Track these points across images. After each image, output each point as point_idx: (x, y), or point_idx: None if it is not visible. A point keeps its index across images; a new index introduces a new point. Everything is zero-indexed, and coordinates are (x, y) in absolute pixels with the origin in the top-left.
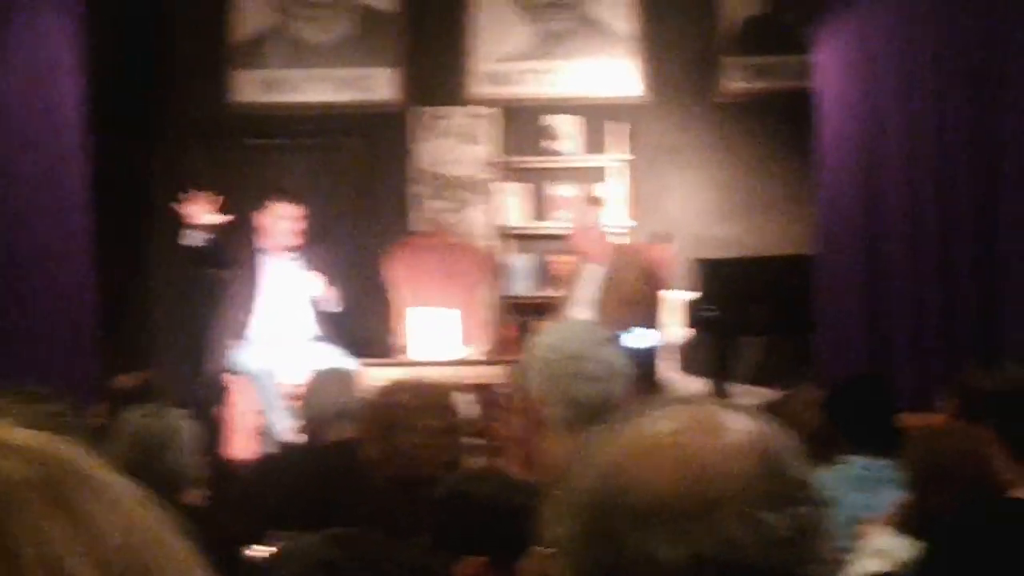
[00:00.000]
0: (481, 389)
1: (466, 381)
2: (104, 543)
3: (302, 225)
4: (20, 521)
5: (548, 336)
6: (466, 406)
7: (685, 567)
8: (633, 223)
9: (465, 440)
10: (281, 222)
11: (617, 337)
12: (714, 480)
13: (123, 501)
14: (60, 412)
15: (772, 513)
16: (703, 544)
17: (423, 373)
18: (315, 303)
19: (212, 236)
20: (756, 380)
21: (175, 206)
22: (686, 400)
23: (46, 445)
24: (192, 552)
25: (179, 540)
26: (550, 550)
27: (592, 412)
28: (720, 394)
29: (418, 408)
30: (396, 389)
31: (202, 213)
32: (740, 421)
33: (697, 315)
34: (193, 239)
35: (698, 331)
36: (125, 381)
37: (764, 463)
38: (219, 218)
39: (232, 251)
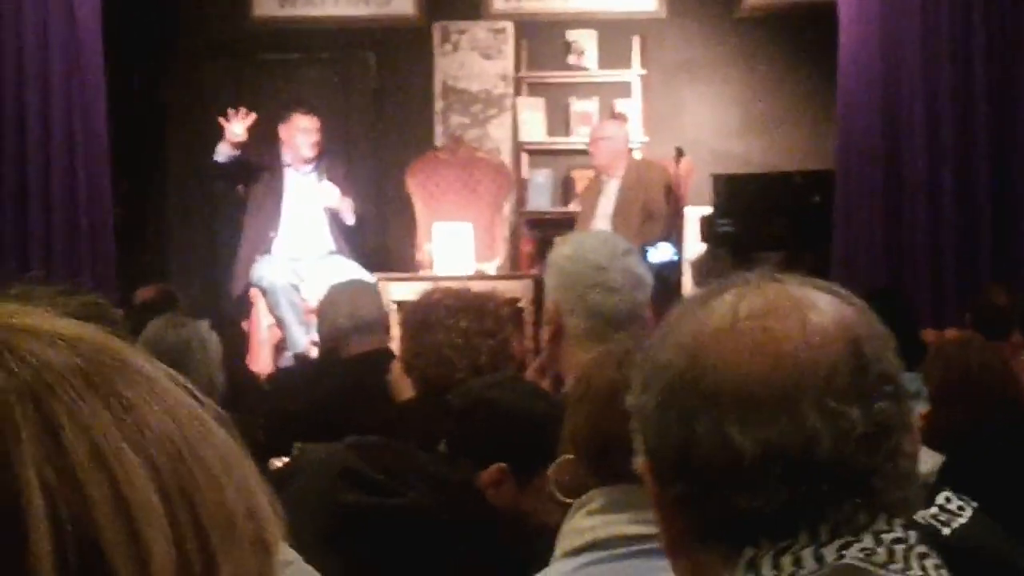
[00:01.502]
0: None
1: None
2: (144, 428)
3: (319, 137)
4: (61, 403)
5: (568, 247)
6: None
7: (758, 454)
8: (646, 138)
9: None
10: (299, 134)
11: (639, 249)
12: (794, 368)
13: (164, 388)
14: (96, 302)
15: (852, 407)
16: (777, 432)
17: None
18: (331, 215)
19: (240, 152)
20: None
21: (223, 122)
22: (776, 277)
23: (84, 333)
24: (234, 442)
25: (219, 427)
26: (570, 456)
27: (614, 322)
28: None
29: (454, 308)
30: (435, 291)
31: (241, 130)
32: (830, 305)
33: (713, 230)
34: (223, 155)
35: (714, 246)
36: (144, 293)
37: (849, 353)
38: (245, 135)
39: (255, 166)
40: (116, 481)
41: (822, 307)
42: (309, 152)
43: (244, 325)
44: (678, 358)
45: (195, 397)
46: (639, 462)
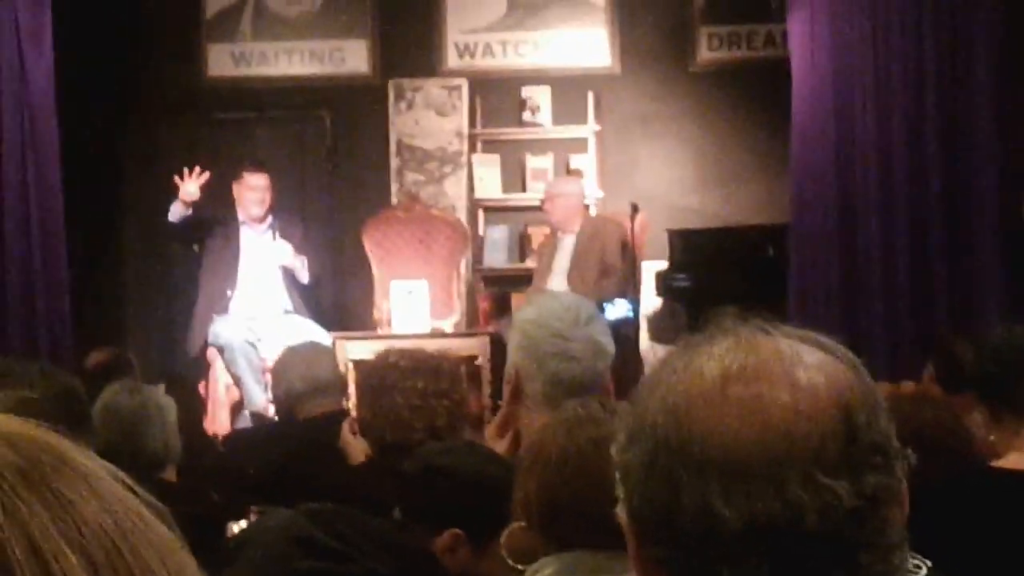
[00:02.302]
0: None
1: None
2: (84, 527)
3: (269, 195)
4: (0, 505)
5: (532, 311)
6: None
7: (742, 526)
8: (601, 194)
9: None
10: (248, 192)
11: (600, 312)
12: (783, 440)
13: (101, 484)
14: (34, 397)
15: (841, 480)
16: (763, 505)
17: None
18: (286, 273)
19: (192, 212)
20: None
21: (177, 181)
22: (765, 329)
23: (23, 430)
24: (173, 534)
25: (160, 523)
26: (523, 524)
27: (573, 390)
28: None
29: (410, 369)
30: (390, 352)
31: (195, 189)
32: (821, 366)
33: (669, 285)
34: (177, 214)
35: (670, 300)
36: (97, 357)
37: (840, 423)
38: (198, 194)
39: (211, 225)
40: None
41: (813, 369)
42: (258, 210)
43: (201, 385)
44: (664, 420)
45: (133, 491)
46: (620, 515)
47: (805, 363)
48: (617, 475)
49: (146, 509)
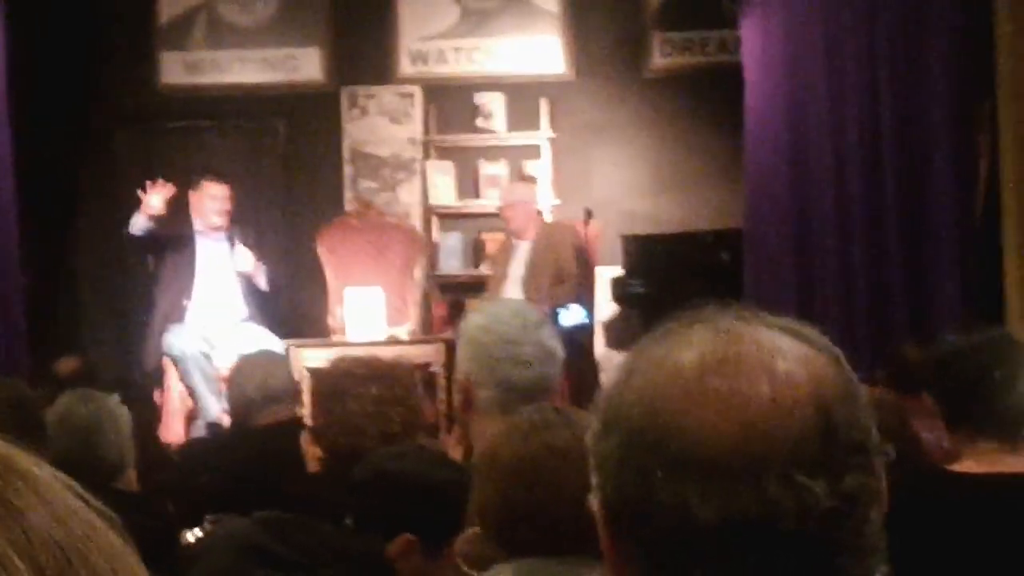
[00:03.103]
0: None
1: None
2: (33, 536)
3: (230, 205)
4: None
5: (481, 317)
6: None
7: (716, 524)
8: (557, 201)
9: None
10: (209, 201)
11: (551, 317)
12: (761, 437)
13: (51, 493)
14: None
15: (818, 480)
16: (737, 503)
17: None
18: (244, 281)
19: (155, 224)
20: None
21: (141, 195)
22: (744, 317)
23: None
24: (126, 543)
25: (113, 532)
26: (478, 530)
27: (526, 395)
28: None
29: (364, 377)
30: (343, 359)
31: (158, 202)
32: (801, 358)
33: (623, 291)
34: (139, 227)
35: (625, 307)
36: (65, 365)
37: (818, 420)
38: (163, 206)
39: (167, 236)
40: None
41: (793, 362)
42: (218, 220)
43: (156, 394)
44: (640, 412)
45: (84, 500)
46: (593, 503)
47: (785, 356)
48: (592, 463)
49: (97, 518)
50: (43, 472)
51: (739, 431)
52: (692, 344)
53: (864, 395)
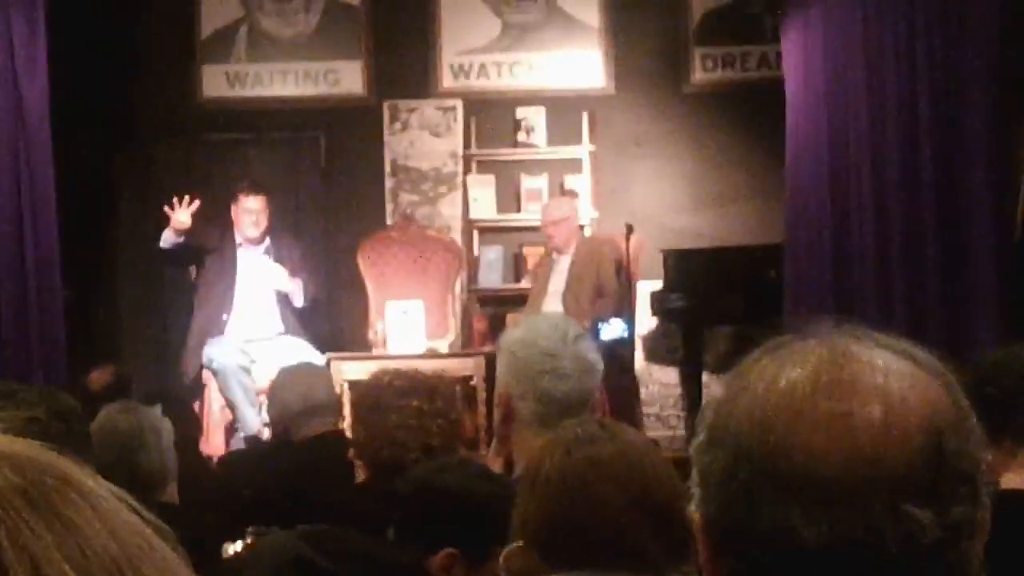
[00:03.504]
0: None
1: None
2: (87, 549)
3: (266, 217)
4: (2, 524)
5: (520, 331)
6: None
7: (819, 547)
8: (596, 214)
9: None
10: (245, 215)
11: (590, 331)
12: (871, 464)
13: (106, 506)
14: (38, 418)
15: (926, 511)
16: (842, 528)
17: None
18: (280, 296)
19: (184, 239)
20: (725, 369)
21: (167, 211)
22: (859, 337)
23: (28, 452)
24: (176, 554)
25: (162, 543)
26: (520, 544)
27: (564, 408)
28: (690, 385)
29: (404, 389)
30: (385, 372)
31: (186, 218)
32: (914, 384)
33: (663, 306)
34: (168, 241)
35: (665, 321)
36: (97, 377)
37: (930, 449)
38: (189, 222)
39: (206, 248)
40: None
41: (907, 388)
42: (253, 232)
43: (196, 406)
44: (750, 429)
45: (137, 513)
46: (693, 515)
47: (900, 379)
48: (694, 475)
49: (151, 532)
50: (97, 485)
51: (849, 455)
52: (806, 362)
53: (976, 424)
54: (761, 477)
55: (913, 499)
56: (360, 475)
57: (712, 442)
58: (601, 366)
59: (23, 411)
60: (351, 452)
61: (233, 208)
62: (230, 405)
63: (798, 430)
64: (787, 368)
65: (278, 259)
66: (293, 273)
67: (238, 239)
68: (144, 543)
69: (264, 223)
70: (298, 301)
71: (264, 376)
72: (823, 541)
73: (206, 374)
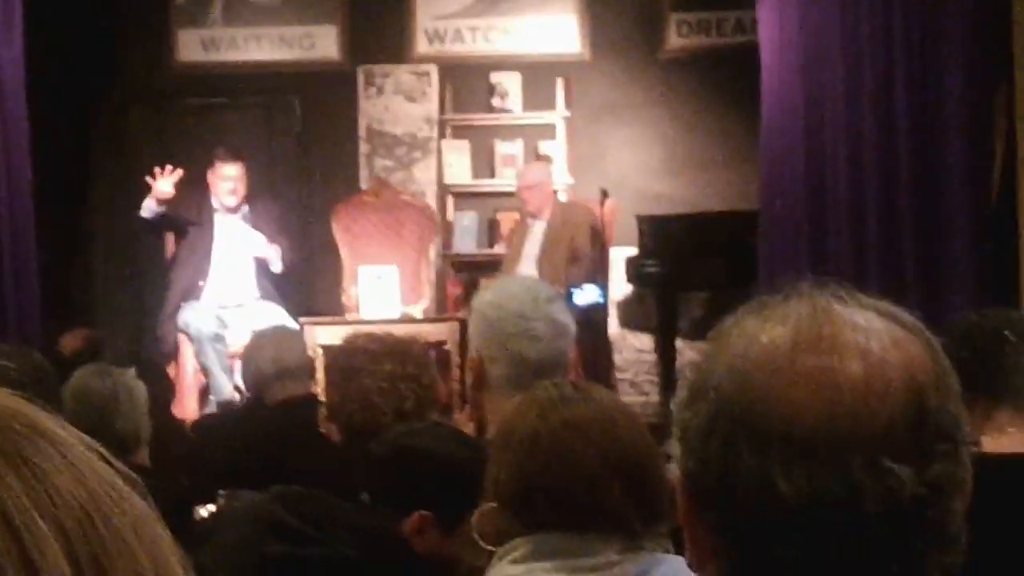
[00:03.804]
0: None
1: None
2: (54, 495)
3: (243, 184)
4: None
5: (491, 294)
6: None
7: (799, 503)
8: (571, 180)
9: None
10: (222, 182)
11: (565, 297)
12: (851, 419)
13: (76, 455)
14: (9, 367)
15: (905, 466)
16: (822, 483)
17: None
18: (258, 262)
19: (166, 208)
20: (699, 335)
21: (150, 180)
22: (840, 295)
23: None
24: (147, 506)
25: (132, 493)
26: (493, 504)
27: (536, 370)
28: (664, 350)
29: (378, 353)
30: (358, 336)
31: (168, 187)
32: (895, 342)
33: (638, 271)
34: (150, 210)
35: (639, 287)
36: (68, 341)
37: (910, 406)
38: (172, 192)
39: (184, 216)
40: (25, 549)
41: (888, 345)
42: (231, 200)
43: (171, 370)
44: (729, 385)
45: (108, 461)
46: (674, 473)
47: (880, 338)
48: (675, 431)
49: (121, 481)
50: (66, 433)
51: (828, 411)
52: (787, 320)
53: (956, 383)
54: (741, 432)
55: (893, 456)
56: (333, 438)
57: (693, 398)
58: (574, 328)
59: None
60: (324, 415)
61: (209, 173)
62: (204, 370)
63: (778, 385)
64: (768, 325)
65: (255, 225)
66: (271, 239)
67: (215, 204)
68: (114, 492)
69: (242, 191)
70: (276, 267)
71: (238, 341)
72: (802, 496)
73: (181, 338)
